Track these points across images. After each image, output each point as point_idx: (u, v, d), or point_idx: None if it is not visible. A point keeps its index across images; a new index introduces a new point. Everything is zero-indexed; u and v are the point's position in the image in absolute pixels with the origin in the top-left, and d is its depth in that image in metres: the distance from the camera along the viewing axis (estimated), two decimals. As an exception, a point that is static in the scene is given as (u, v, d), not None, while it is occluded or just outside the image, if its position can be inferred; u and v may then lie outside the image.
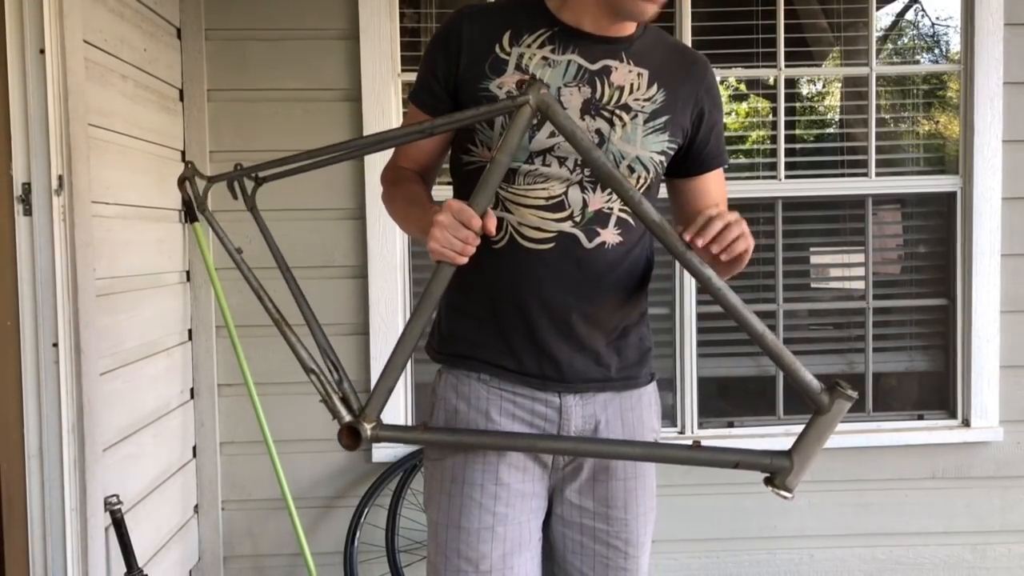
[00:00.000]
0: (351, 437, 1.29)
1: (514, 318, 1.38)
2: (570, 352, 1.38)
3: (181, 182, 1.46)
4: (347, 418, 1.30)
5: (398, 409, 2.80)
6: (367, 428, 1.29)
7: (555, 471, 1.43)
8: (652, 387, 1.51)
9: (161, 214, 2.56)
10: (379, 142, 1.37)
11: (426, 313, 1.26)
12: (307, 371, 1.33)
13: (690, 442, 1.27)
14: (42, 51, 1.89)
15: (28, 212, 1.91)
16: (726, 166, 1.52)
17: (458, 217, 1.20)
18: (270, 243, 1.44)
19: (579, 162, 1.34)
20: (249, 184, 1.45)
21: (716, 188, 1.49)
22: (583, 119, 1.34)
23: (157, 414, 2.49)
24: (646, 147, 1.37)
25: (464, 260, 1.22)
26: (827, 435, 1.18)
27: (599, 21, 1.35)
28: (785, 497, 1.19)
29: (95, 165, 2.09)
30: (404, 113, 2.79)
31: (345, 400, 1.31)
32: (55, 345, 1.93)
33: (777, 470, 1.19)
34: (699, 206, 1.46)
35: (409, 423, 2.85)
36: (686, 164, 1.45)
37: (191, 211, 2.69)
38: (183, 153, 2.72)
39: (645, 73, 1.38)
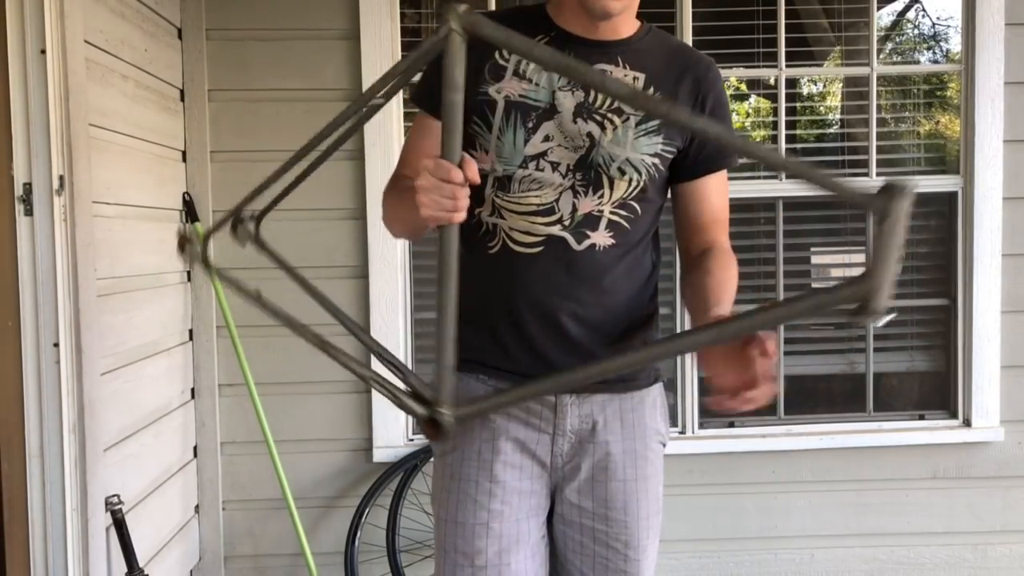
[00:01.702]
0: (434, 428, 1.27)
1: (506, 321, 1.38)
2: (563, 354, 1.38)
3: (181, 247, 1.41)
4: (422, 412, 1.27)
5: (398, 411, 2.79)
6: (446, 414, 1.26)
7: (555, 470, 1.43)
8: (657, 388, 1.49)
9: (162, 214, 2.56)
10: (332, 126, 1.24)
11: (452, 280, 1.20)
12: (366, 380, 1.31)
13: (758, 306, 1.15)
14: (43, 51, 1.89)
15: (29, 212, 1.91)
16: (731, 168, 1.47)
17: (436, 174, 1.11)
18: (291, 272, 1.38)
19: (571, 167, 1.34)
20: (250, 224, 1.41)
21: (716, 194, 1.45)
22: (575, 122, 1.34)
23: (158, 414, 2.49)
24: (637, 149, 1.36)
25: (461, 215, 1.13)
26: (898, 238, 1.08)
27: (584, 23, 1.36)
28: (880, 322, 1.09)
29: (96, 165, 2.09)
30: (406, 115, 2.80)
31: (415, 394, 1.29)
32: (56, 345, 1.94)
33: (863, 297, 1.10)
34: (697, 213, 1.44)
35: (410, 425, 2.85)
36: (686, 165, 1.42)
37: (192, 211, 2.69)
38: (183, 153, 2.72)
39: (641, 76, 1.38)
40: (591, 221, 1.37)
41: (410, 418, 2.86)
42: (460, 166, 1.10)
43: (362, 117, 1.27)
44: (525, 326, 1.38)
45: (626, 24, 1.38)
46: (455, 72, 1.10)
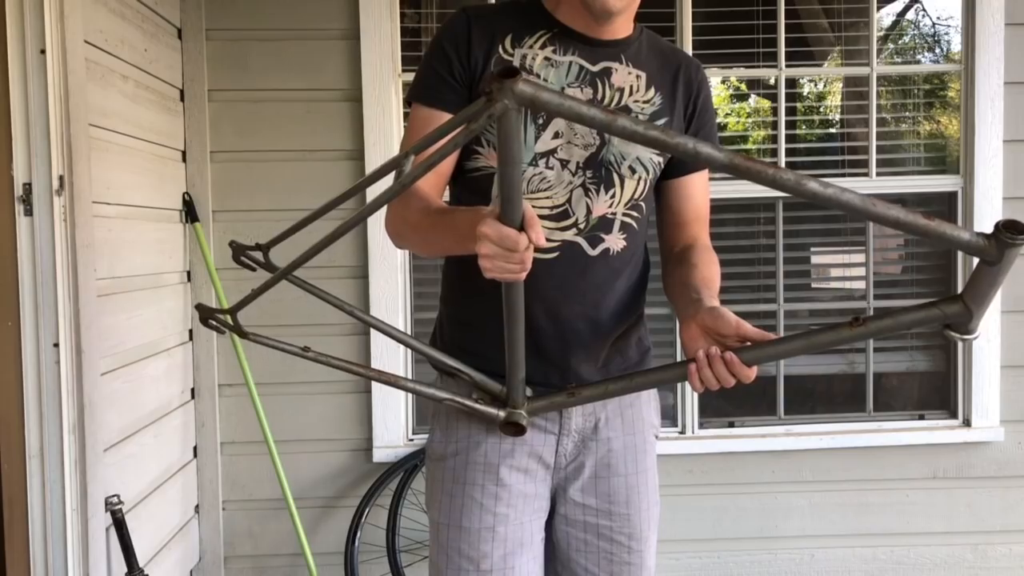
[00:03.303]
0: (514, 429, 1.34)
1: None
2: (577, 360, 1.39)
3: (204, 322, 1.39)
4: (501, 414, 1.33)
5: (399, 408, 2.80)
6: (523, 414, 1.33)
7: (558, 471, 1.43)
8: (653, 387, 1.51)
9: (162, 214, 2.56)
10: (376, 206, 1.17)
11: (520, 322, 1.23)
12: (441, 401, 1.38)
13: (850, 319, 1.14)
14: (43, 51, 1.89)
15: (29, 212, 1.91)
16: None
17: (502, 245, 1.08)
18: (319, 295, 1.39)
19: (580, 164, 1.34)
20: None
21: (700, 192, 1.48)
22: None
23: (158, 414, 2.49)
24: (646, 148, 1.37)
25: (525, 274, 1.13)
26: (1001, 281, 1.05)
27: (585, 21, 1.35)
28: (969, 339, 1.10)
29: (96, 165, 2.09)
30: (407, 115, 2.80)
31: (486, 397, 1.36)
32: (56, 345, 1.94)
33: (954, 319, 1.10)
34: (681, 210, 1.46)
35: (410, 422, 2.86)
36: (673, 163, 1.44)
37: (192, 211, 2.69)
38: (183, 153, 2.72)
39: (644, 75, 1.39)
40: (605, 224, 1.37)
41: (410, 418, 2.86)
42: (522, 227, 1.08)
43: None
44: (538, 332, 1.37)
45: (625, 24, 1.39)
46: (512, 147, 1.06)
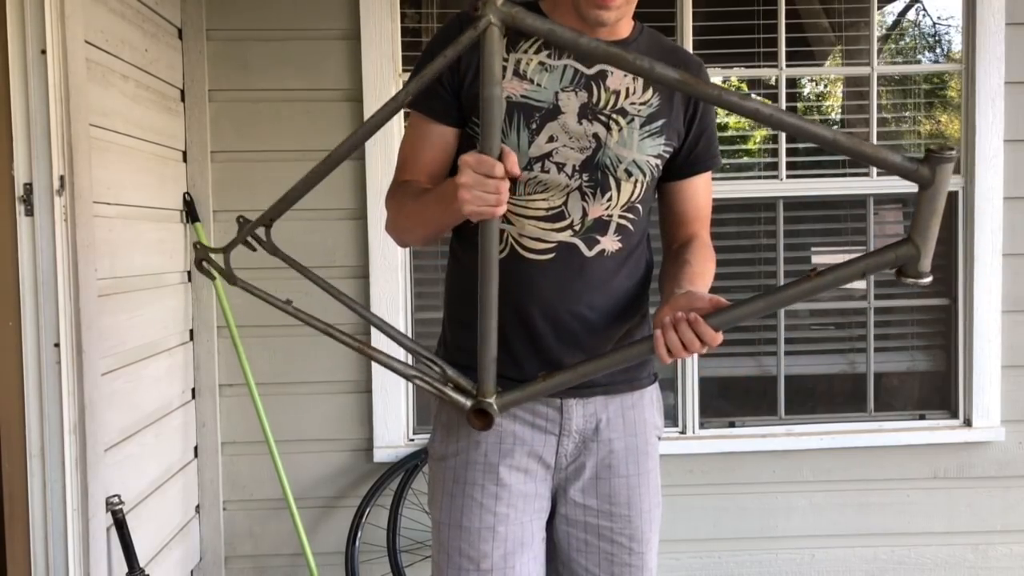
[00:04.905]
0: (481, 418, 1.29)
1: (517, 329, 1.38)
2: (574, 360, 1.38)
3: (199, 264, 1.41)
4: (468, 403, 1.29)
5: (399, 409, 2.80)
6: (492, 403, 1.28)
7: (558, 471, 1.43)
8: (654, 387, 1.52)
9: (162, 214, 2.56)
10: (367, 133, 1.27)
11: (493, 275, 1.20)
12: (409, 378, 1.34)
13: (808, 271, 1.18)
14: (43, 51, 1.89)
15: (30, 212, 1.91)
16: (716, 168, 1.51)
17: (479, 170, 1.15)
18: (309, 275, 1.38)
19: (577, 168, 1.34)
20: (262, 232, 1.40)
21: (703, 193, 1.49)
22: (580, 123, 1.34)
23: (159, 414, 2.50)
24: (642, 151, 1.37)
25: (503, 208, 1.18)
26: (940, 206, 1.08)
27: (581, 25, 1.35)
28: (923, 285, 1.12)
29: (96, 165, 2.09)
30: (406, 114, 2.80)
31: (457, 387, 1.31)
32: (57, 345, 1.94)
33: (905, 259, 1.12)
34: (683, 210, 1.47)
35: (411, 422, 2.86)
36: (677, 166, 1.45)
37: (192, 211, 2.69)
38: (184, 153, 2.72)
39: (640, 77, 1.38)
40: (600, 226, 1.37)
41: (411, 418, 2.86)
42: (500, 159, 1.14)
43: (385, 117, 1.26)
44: (538, 334, 1.38)
45: (623, 25, 1.39)
46: (494, 66, 1.11)
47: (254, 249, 1.38)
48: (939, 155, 1.05)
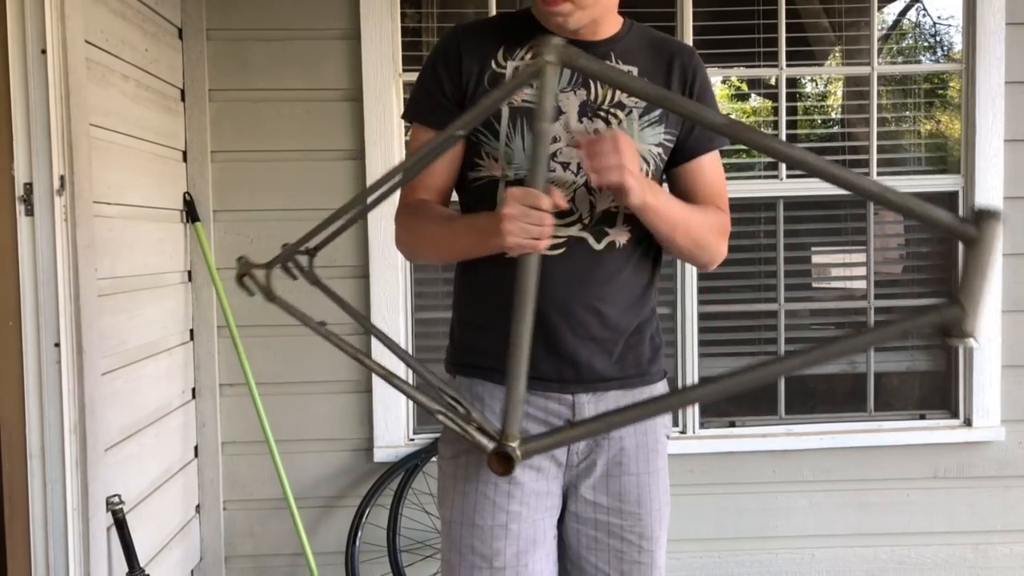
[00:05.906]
0: (503, 463, 1.21)
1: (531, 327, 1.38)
2: (589, 354, 1.40)
3: (240, 279, 1.39)
4: (490, 446, 1.22)
5: (399, 408, 2.80)
6: (515, 448, 1.20)
7: (569, 468, 1.44)
8: (663, 384, 1.52)
9: (163, 214, 2.57)
10: (415, 164, 1.28)
11: (528, 311, 1.17)
12: (434, 413, 1.29)
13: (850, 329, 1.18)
14: (44, 51, 1.89)
15: (30, 212, 1.91)
16: (720, 147, 1.50)
17: (525, 202, 1.15)
18: (345, 307, 1.39)
19: (581, 164, 1.35)
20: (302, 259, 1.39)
21: (711, 170, 1.49)
22: (581, 121, 1.36)
23: (159, 414, 2.50)
24: (644, 140, 1.39)
25: (546, 243, 1.18)
26: (987, 265, 1.05)
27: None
28: (971, 345, 1.09)
29: (97, 165, 2.09)
30: (406, 133, 2.79)
31: (481, 428, 1.26)
32: (57, 345, 1.94)
33: (951, 321, 1.10)
34: (694, 191, 1.47)
35: (411, 425, 2.86)
36: (681, 150, 1.45)
37: (193, 211, 2.69)
38: (184, 153, 2.72)
39: (635, 70, 1.41)
40: (609, 218, 1.39)
41: (411, 418, 2.86)
42: (544, 191, 1.15)
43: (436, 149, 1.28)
44: (552, 329, 1.38)
45: (610, 24, 1.41)
46: (548, 101, 1.14)
47: (294, 277, 1.38)
48: (987, 212, 1.04)
